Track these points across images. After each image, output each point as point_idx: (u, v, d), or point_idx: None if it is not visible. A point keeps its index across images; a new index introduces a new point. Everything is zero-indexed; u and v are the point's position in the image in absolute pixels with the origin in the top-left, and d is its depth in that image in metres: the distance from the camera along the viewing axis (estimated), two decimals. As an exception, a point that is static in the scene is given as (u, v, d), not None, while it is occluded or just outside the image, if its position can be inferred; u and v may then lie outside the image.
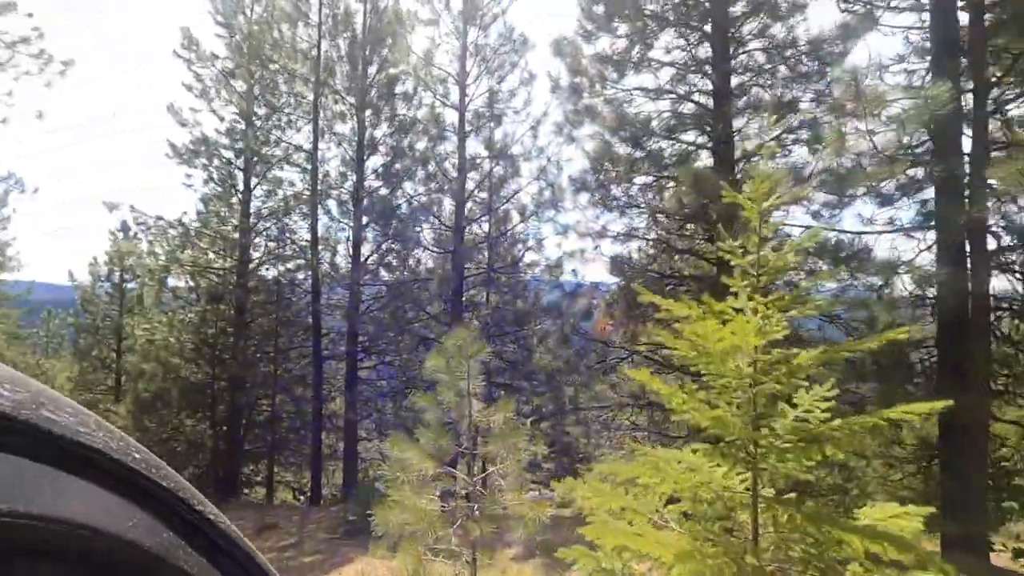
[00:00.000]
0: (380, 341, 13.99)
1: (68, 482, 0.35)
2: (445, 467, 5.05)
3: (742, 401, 3.23)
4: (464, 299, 12.45)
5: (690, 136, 10.55)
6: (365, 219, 13.59)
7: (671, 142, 10.33)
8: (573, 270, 11.86)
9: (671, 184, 10.89)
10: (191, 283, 15.28)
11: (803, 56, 9.47)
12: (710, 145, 9.97)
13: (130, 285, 24.36)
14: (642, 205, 10.94)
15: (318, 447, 13.73)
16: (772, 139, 9.84)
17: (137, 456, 0.42)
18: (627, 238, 11.09)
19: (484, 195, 12.87)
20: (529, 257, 13.22)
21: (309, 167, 14.70)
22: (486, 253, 12.91)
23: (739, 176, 8.87)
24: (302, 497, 18.50)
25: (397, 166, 13.86)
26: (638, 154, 10.24)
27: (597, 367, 11.11)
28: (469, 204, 12.72)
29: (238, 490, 15.08)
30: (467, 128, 12.52)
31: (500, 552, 6.55)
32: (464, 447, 4.99)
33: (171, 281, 16.61)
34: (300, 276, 15.04)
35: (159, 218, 14.26)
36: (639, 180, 11.02)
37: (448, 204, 12.99)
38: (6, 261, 33.08)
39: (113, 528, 0.37)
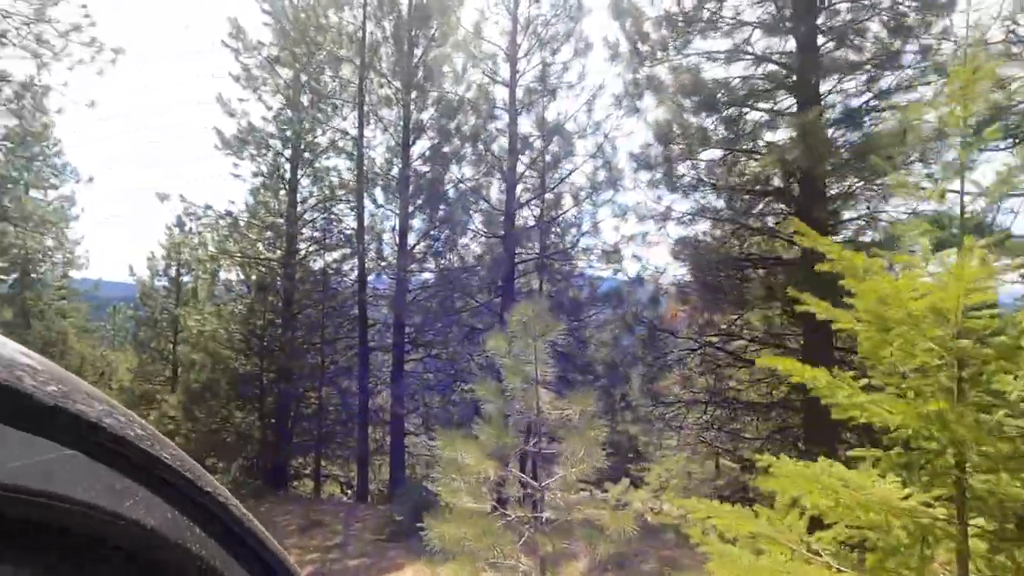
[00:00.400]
0: (427, 331, 13.38)
1: (99, 471, 0.36)
2: (506, 469, 4.28)
3: (941, 389, 2.29)
4: (516, 287, 11.67)
5: (767, 104, 9.42)
6: (411, 206, 13.01)
7: (747, 109, 9.23)
8: (634, 255, 10.92)
9: (745, 158, 9.79)
10: (240, 275, 15.12)
11: (902, 7, 8.20)
12: (794, 111, 8.82)
13: (185, 279, 24.88)
14: (711, 182, 9.88)
15: (364, 441, 13.27)
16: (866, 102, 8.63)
17: (172, 453, 0.43)
18: (695, 219, 10.05)
19: (536, 177, 12.05)
20: (585, 242, 12.30)
21: (355, 154, 14.27)
22: (538, 238, 12.08)
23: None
24: (349, 491, 18.24)
25: (445, 149, 13.19)
26: (710, 123, 9.19)
27: (660, 360, 10.14)
28: (520, 187, 11.93)
29: (287, 483, 14.84)
30: (518, 106, 11.71)
31: (566, 566, 5.73)
32: (530, 445, 4.21)
33: (221, 273, 16.57)
34: (346, 266, 14.62)
35: (208, 207, 14.13)
36: (708, 155, 9.96)
37: (498, 187, 12.24)
38: (75, 259, 34.49)
39: (146, 520, 0.38)
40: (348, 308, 14.82)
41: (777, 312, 8.92)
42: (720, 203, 9.87)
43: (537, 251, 12.01)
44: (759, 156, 8.70)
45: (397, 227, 13.57)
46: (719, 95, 8.72)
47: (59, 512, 0.34)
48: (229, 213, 14.28)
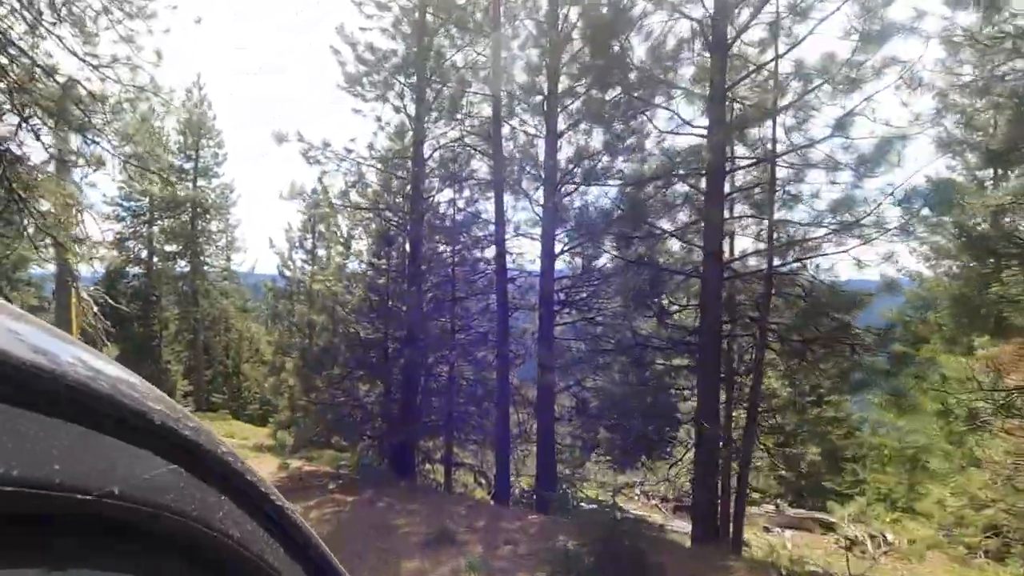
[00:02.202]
0: (583, 286, 9.94)
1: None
2: None
3: None
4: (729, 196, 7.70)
5: None
6: (564, 120, 9.60)
7: None
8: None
9: None
10: (362, 223, 12.86)
11: None
12: None
13: (320, 252, 24.09)
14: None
15: (504, 424, 10.16)
16: None
17: (250, 469, 0.45)
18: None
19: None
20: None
21: (490, 74, 11.26)
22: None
23: None
24: (483, 481, 15.43)
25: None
26: None
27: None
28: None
29: (413, 468, 12.30)
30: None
31: None
32: None
33: (343, 226, 14.54)
34: (482, 209, 11.62)
35: (327, 145, 11.94)
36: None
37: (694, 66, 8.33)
38: (234, 242, 35.90)
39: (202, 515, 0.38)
40: (483, 267, 11.89)
41: None
42: None
43: (762, 150, 7.75)
44: None
45: (543, 151, 10.27)
46: None
47: (166, 522, 0.35)
48: (349, 151, 11.95)
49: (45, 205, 10.31)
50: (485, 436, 12.19)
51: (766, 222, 7.31)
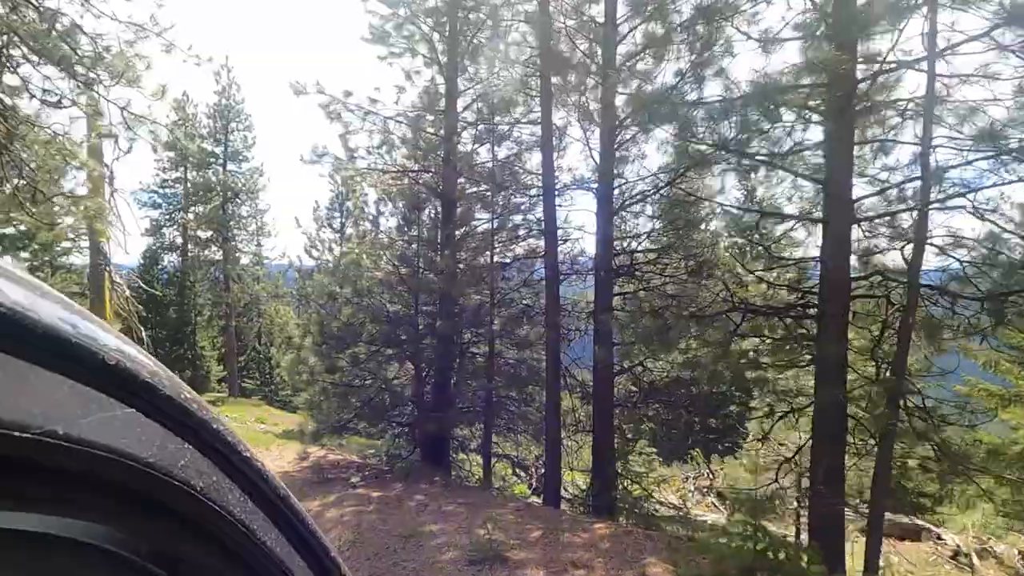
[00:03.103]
0: (647, 247, 8.16)
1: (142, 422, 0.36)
2: None
3: None
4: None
5: None
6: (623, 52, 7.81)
7: None
8: None
9: None
10: (390, 189, 11.32)
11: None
12: None
13: (349, 231, 22.83)
14: None
15: (555, 411, 8.50)
16: None
17: (217, 419, 0.42)
18: None
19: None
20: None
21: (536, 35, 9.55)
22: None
23: None
24: (522, 473, 13.85)
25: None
26: None
27: None
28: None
29: (447, 459, 10.81)
30: None
31: None
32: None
33: (370, 194, 13.05)
34: (529, 163, 9.89)
35: (348, 94, 10.43)
36: None
37: None
38: (264, 226, 35.12)
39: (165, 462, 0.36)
40: (527, 231, 10.21)
41: None
42: None
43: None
44: None
45: (600, 90, 8.50)
46: None
47: (118, 467, 0.33)
48: (374, 102, 10.40)
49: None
50: (528, 424, 10.58)
51: (908, 148, 5.47)
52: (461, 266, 10.11)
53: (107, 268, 26.31)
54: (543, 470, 12.66)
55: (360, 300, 10.06)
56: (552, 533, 5.53)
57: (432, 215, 10.89)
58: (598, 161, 8.50)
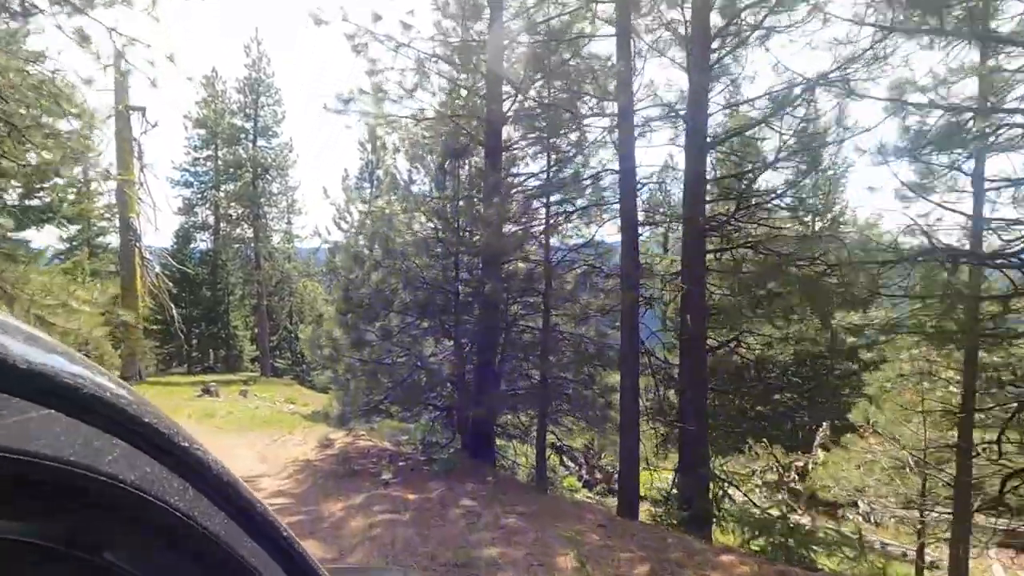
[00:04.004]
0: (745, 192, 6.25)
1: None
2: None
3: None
4: None
5: None
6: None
7: None
8: None
9: None
10: (423, 136, 9.63)
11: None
12: None
13: (379, 201, 21.39)
14: None
15: (634, 390, 6.72)
16: None
17: (152, 411, 0.43)
18: None
19: None
20: None
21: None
22: None
23: None
24: (571, 463, 12.19)
25: None
26: None
27: None
28: None
29: (493, 447, 9.24)
30: None
31: None
32: None
33: (401, 153, 11.38)
34: (588, 90, 8.00)
35: (377, 18, 8.72)
36: None
37: None
38: (294, 204, 33.98)
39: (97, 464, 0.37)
40: (592, 178, 8.37)
41: None
42: None
43: None
44: None
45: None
46: None
47: (39, 468, 0.33)
48: (407, 27, 8.66)
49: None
50: (585, 410, 8.85)
51: None
52: (510, 225, 8.39)
53: (137, 244, 25.43)
54: (596, 462, 10.91)
55: (392, 264, 8.45)
56: (665, 565, 3.84)
57: (473, 167, 9.17)
58: (687, 84, 6.60)
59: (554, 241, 8.55)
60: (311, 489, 6.44)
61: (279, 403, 18.47)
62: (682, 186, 6.60)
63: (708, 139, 6.58)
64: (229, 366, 32.04)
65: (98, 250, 32.80)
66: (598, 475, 10.71)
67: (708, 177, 6.80)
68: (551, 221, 7.95)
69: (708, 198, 6.80)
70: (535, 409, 8.81)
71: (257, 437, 10.30)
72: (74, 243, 30.42)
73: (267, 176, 32.12)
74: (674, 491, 6.87)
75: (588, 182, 7.77)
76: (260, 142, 32.20)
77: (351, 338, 8.31)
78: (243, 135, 31.81)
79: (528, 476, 8.83)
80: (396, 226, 8.50)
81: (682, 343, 6.55)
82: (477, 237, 8.30)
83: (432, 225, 8.61)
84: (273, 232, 32.77)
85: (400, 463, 7.88)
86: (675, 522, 5.92)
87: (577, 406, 8.09)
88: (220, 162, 32.05)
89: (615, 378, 7.50)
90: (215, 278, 32.85)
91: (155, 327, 29.69)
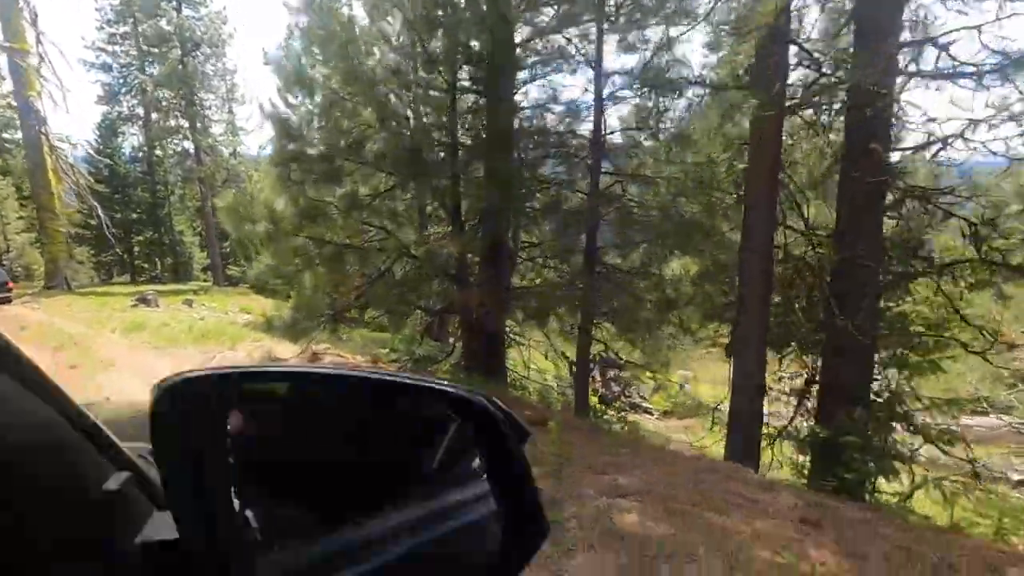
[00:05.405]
0: None
1: None
2: None
3: None
4: None
5: None
6: None
7: None
8: None
9: None
10: None
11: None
12: None
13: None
14: None
15: (766, 279, 4.24)
16: None
17: None
18: None
19: None
20: None
21: None
22: None
23: None
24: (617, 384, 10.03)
25: None
26: None
27: None
28: None
29: (502, 360, 6.85)
30: None
31: None
32: None
33: None
34: None
35: None
36: None
37: None
38: (235, 88, 28.82)
39: None
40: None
41: None
42: None
43: None
44: None
45: None
46: None
47: None
48: None
49: None
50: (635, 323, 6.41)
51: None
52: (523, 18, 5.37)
53: (42, 130, 20.44)
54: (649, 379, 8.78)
55: (360, 95, 5.40)
56: None
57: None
58: None
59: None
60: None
61: (232, 313, 15.64)
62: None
63: None
64: (178, 276, 28.41)
65: (10, 146, 27.49)
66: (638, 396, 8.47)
67: None
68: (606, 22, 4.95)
69: None
70: (563, 308, 6.30)
71: (189, 355, 7.61)
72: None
73: (198, 53, 26.73)
74: (808, 438, 4.60)
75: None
76: (186, 11, 26.44)
77: (297, 208, 5.41)
78: (165, 2, 25.98)
79: (552, 402, 6.51)
80: (362, 34, 5.35)
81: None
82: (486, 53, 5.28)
83: (416, 37, 5.49)
84: (213, 123, 27.93)
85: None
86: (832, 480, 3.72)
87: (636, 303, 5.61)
88: (141, 38, 26.37)
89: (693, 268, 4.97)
90: (153, 177, 28.30)
91: (87, 232, 25.57)
